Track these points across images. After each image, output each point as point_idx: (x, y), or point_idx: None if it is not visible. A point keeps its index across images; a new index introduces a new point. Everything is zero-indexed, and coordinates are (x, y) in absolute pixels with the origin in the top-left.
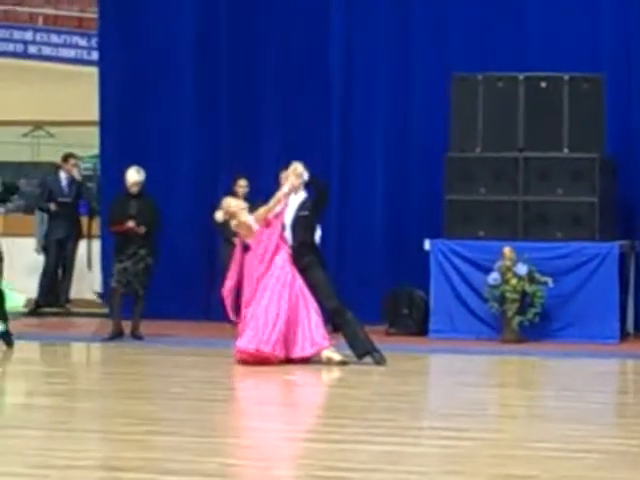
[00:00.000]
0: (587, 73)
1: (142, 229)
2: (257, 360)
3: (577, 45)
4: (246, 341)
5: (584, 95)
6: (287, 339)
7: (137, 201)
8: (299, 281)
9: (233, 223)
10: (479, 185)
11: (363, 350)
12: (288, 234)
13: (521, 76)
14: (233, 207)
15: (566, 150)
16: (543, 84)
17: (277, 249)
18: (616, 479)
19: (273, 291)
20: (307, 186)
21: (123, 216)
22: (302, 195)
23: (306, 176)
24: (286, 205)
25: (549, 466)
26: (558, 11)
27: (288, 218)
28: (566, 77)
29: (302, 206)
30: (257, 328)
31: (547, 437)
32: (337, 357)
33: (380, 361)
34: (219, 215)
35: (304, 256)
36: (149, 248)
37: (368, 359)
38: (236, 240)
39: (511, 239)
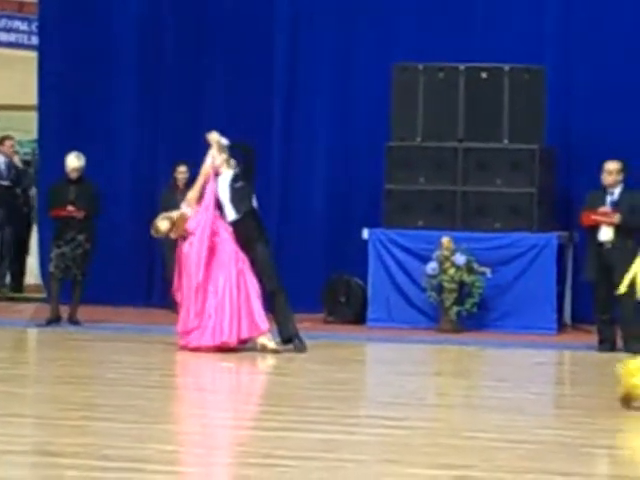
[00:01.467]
0: (528, 64)
1: (81, 213)
2: (219, 350)
3: (518, 36)
4: (209, 338)
5: (524, 86)
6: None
7: (76, 186)
8: (241, 263)
9: (176, 231)
10: (419, 175)
11: (288, 335)
12: (229, 210)
13: (462, 66)
14: (174, 217)
15: (506, 141)
16: (484, 75)
17: (214, 232)
18: (552, 469)
19: (224, 280)
20: (232, 151)
21: (62, 201)
22: (231, 171)
23: (225, 141)
24: (215, 182)
25: (486, 456)
26: (500, 1)
27: (224, 194)
28: (507, 68)
29: (235, 179)
30: (219, 323)
31: (484, 427)
32: (272, 345)
33: (302, 349)
34: (164, 225)
35: (247, 230)
36: (88, 233)
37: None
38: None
39: (450, 229)
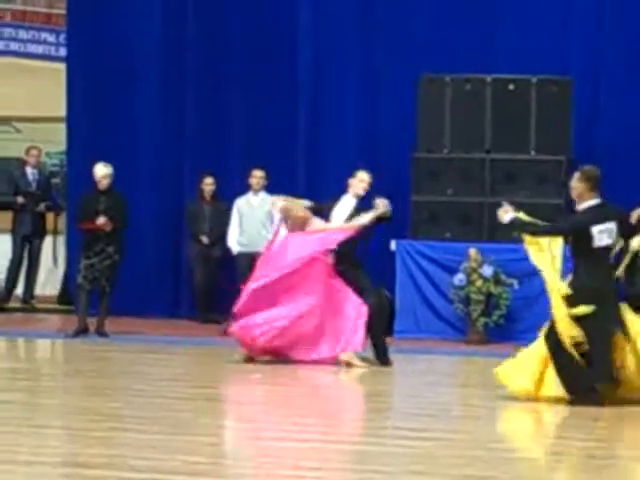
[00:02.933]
0: (555, 76)
1: (110, 226)
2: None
3: (545, 48)
4: (259, 331)
5: (552, 98)
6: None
7: (106, 197)
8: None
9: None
10: (446, 186)
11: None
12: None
13: (489, 78)
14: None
15: (533, 152)
16: (511, 86)
17: (312, 261)
18: None
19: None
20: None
21: (92, 213)
22: (351, 201)
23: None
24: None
25: (507, 467)
26: (527, 13)
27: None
28: (534, 80)
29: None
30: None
31: (508, 438)
32: (357, 362)
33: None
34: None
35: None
36: (117, 245)
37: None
38: (203, 239)
39: (477, 240)
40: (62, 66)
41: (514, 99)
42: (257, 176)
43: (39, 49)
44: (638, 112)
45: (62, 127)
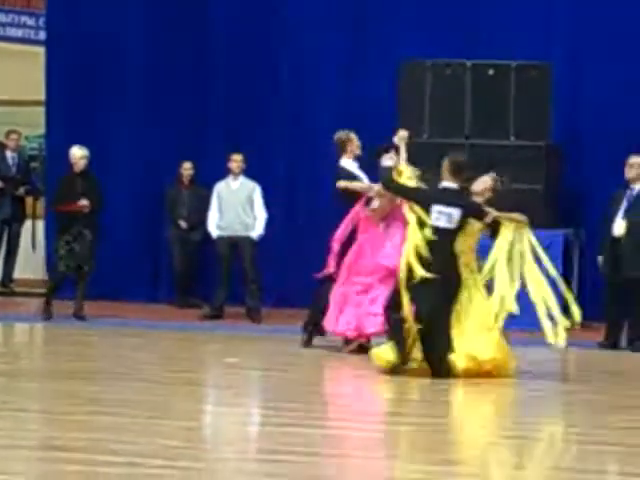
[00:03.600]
0: (535, 61)
1: (89, 207)
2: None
3: (525, 33)
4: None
5: (531, 83)
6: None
7: (82, 179)
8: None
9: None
10: (426, 171)
11: None
12: None
13: (469, 63)
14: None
15: (512, 138)
16: (491, 71)
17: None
18: (558, 466)
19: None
20: None
21: (71, 195)
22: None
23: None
24: None
25: (486, 451)
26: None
27: None
28: (513, 65)
29: None
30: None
31: (488, 423)
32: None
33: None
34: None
35: None
36: (93, 227)
37: None
38: (182, 223)
39: None
40: (41, 50)
41: (494, 84)
42: (236, 160)
43: (18, 32)
44: (617, 98)
45: (41, 111)
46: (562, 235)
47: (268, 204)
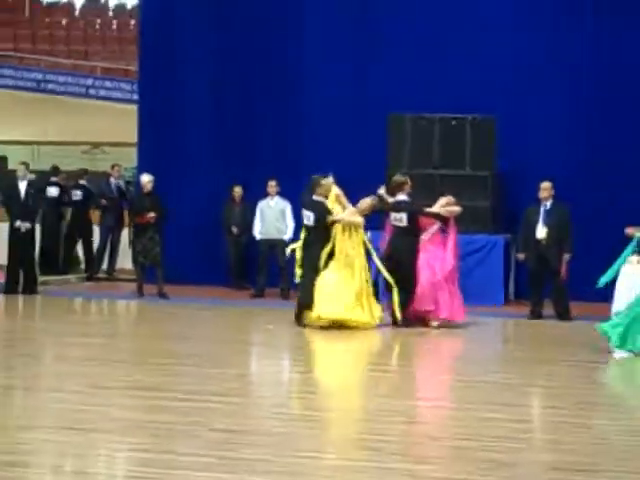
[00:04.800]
0: (483, 114)
1: (154, 219)
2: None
3: (477, 94)
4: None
5: (481, 130)
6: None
7: (149, 198)
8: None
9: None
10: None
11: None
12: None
13: (437, 116)
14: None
15: (468, 168)
16: (453, 122)
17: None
18: (497, 402)
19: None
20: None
21: (141, 209)
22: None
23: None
24: None
25: (453, 392)
26: (466, 67)
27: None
28: (469, 117)
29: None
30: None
31: (450, 372)
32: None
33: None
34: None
35: None
36: (159, 232)
37: None
38: (234, 230)
39: None
40: (135, 107)
41: (455, 131)
42: (272, 185)
43: (119, 95)
44: (538, 139)
45: (134, 150)
46: (503, 239)
47: (296, 216)
